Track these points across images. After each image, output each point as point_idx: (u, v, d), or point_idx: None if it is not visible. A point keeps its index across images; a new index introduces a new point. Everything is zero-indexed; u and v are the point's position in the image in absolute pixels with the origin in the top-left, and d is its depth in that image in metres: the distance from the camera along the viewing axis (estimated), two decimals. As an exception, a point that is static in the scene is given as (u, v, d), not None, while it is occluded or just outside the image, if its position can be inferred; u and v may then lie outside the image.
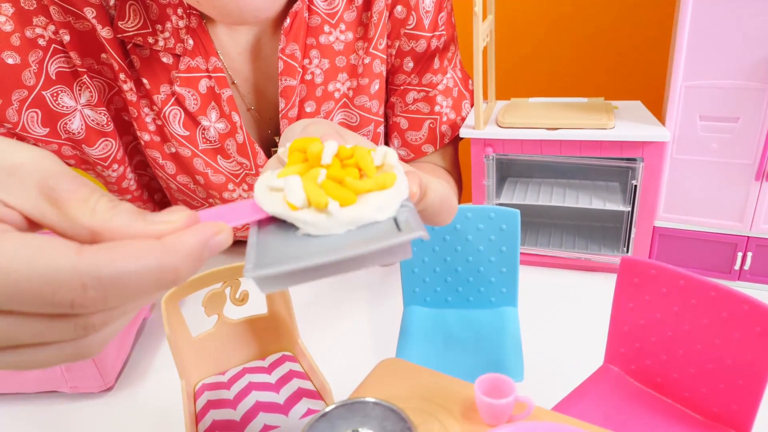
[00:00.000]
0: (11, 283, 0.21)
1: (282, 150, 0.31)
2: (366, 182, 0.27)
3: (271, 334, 0.45)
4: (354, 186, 0.26)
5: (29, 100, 0.59)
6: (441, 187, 0.31)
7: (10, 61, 0.57)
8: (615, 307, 0.35)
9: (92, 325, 0.24)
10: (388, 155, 0.28)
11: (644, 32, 0.98)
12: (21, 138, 0.60)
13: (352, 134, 0.33)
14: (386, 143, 0.75)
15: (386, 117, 0.73)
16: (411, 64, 0.68)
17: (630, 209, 0.61)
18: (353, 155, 0.28)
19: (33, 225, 0.24)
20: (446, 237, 0.44)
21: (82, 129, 0.62)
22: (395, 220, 0.26)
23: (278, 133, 0.69)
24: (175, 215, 0.24)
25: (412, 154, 0.73)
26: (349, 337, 0.58)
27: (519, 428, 0.27)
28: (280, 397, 0.41)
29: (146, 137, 0.64)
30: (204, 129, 0.63)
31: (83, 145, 0.63)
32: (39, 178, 0.24)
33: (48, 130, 0.61)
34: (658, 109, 0.62)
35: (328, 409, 0.30)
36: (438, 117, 0.70)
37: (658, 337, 0.34)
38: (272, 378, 0.43)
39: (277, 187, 0.27)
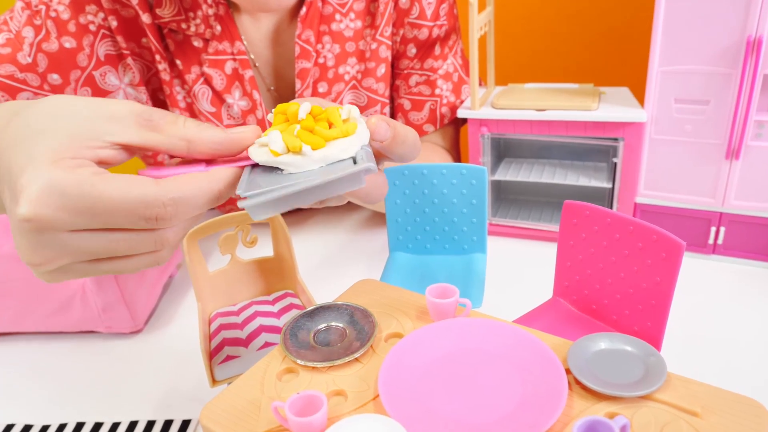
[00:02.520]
0: (116, 205, 0.29)
1: (269, 115, 0.37)
2: (333, 131, 0.33)
3: (275, 273, 0.53)
4: (322, 133, 0.33)
5: (82, 79, 0.68)
6: (410, 130, 0.37)
7: (67, 45, 0.66)
8: (560, 246, 0.41)
9: (167, 238, 0.32)
10: (352, 111, 0.35)
11: (635, 23, 1.03)
12: None
13: (328, 102, 0.40)
14: None
15: (392, 99, 0.80)
16: (414, 51, 0.75)
17: (611, 186, 0.67)
18: (324, 112, 0.34)
19: (131, 153, 0.33)
20: (425, 191, 0.51)
21: None
22: (354, 158, 0.33)
23: None
24: (245, 127, 0.34)
25: None
26: (341, 279, 0.65)
27: (456, 322, 0.34)
28: (280, 322, 0.48)
29: (177, 113, 0.72)
30: (228, 106, 0.71)
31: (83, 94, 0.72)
32: (135, 115, 0.32)
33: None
34: (643, 94, 0.67)
35: (308, 309, 0.37)
36: (438, 99, 0.77)
37: (592, 270, 0.40)
38: (275, 308, 0.50)
39: (264, 143, 0.33)
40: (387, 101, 0.77)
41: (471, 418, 0.28)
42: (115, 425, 0.54)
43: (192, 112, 0.72)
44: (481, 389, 0.30)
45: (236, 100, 0.71)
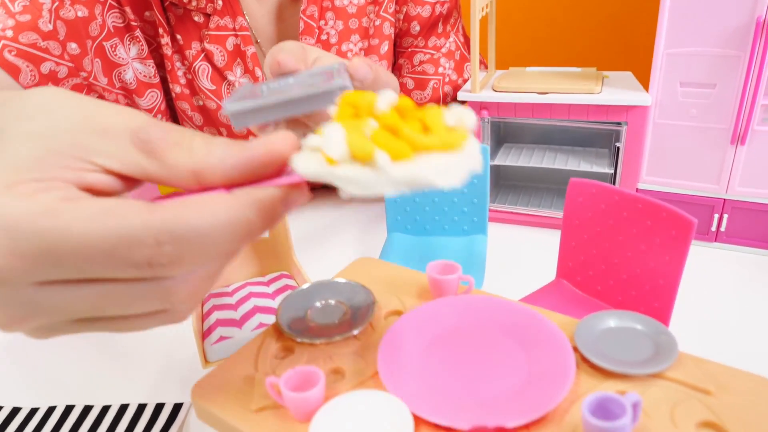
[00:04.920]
0: (88, 245, 0.20)
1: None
2: (428, 138, 0.22)
3: (271, 254, 0.51)
4: (412, 138, 0.22)
5: (93, 48, 0.66)
6: (392, 77, 0.36)
7: (80, 14, 0.64)
8: (565, 226, 0.40)
9: (175, 288, 0.23)
10: (465, 118, 0.23)
11: (639, 8, 1.02)
12: (92, 87, 0.67)
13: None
14: None
15: None
16: (417, 28, 0.74)
17: (614, 171, 0.65)
18: (419, 110, 0.24)
19: (131, 184, 0.24)
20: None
21: (134, 81, 0.69)
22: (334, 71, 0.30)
23: None
24: (273, 135, 0.24)
25: None
26: (338, 259, 0.64)
27: (458, 299, 0.33)
28: (275, 303, 0.47)
29: (177, 89, 0.70)
30: (230, 84, 0.70)
31: (134, 96, 0.70)
32: (130, 133, 0.23)
33: (107, 80, 0.68)
34: (648, 78, 0.66)
35: (304, 286, 0.36)
36: (441, 78, 0.76)
37: (598, 250, 0.38)
38: (270, 289, 0.49)
39: (313, 146, 0.23)
40: None
41: (474, 395, 0.27)
42: (106, 408, 0.53)
43: (192, 89, 0.71)
44: (485, 366, 0.29)
45: (238, 77, 0.70)
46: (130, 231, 0.21)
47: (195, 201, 0.22)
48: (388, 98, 0.23)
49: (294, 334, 0.32)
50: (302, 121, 0.40)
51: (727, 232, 0.64)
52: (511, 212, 0.72)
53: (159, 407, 0.53)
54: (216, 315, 0.46)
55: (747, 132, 0.58)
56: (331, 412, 0.26)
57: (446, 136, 0.22)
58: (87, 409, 0.53)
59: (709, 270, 0.61)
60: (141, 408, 0.53)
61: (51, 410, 0.53)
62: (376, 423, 0.25)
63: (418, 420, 0.26)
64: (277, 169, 0.24)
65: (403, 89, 0.78)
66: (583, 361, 0.29)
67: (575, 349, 0.29)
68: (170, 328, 0.62)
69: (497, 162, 0.71)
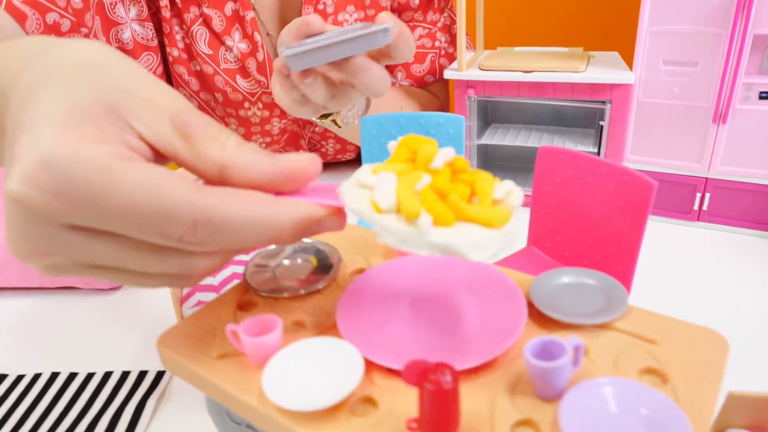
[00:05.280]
0: (131, 208, 0.21)
1: (391, 145, 0.27)
2: (474, 209, 0.23)
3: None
4: (458, 207, 0.23)
5: (95, 4, 0.66)
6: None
7: None
8: (534, 193, 0.41)
9: (194, 266, 0.24)
10: (513, 195, 0.24)
11: None
12: None
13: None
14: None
15: None
16: (417, 1, 0.76)
17: (597, 150, 0.66)
18: (471, 173, 0.25)
19: (161, 158, 0.25)
20: (403, 139, 0.50)
21: (130, 41, 0.69)
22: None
23: None
24: (301, 155, 0.25)
25: (415, 84, 0.80)
26: None
27: (421, 258, 0.33)
28: (252, 270, 0.47)
29: (175, 53, 0.71)
30: (227, 49, 0.70)
31: (130, 57, 0.71)
32: (172, 113, 0.24)
33: (105, 39, 0.68)
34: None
35: (272, 246, 0.36)
36: (438, 51, 0.77)
37: (566, 215, 0.39)
38: (248, 256, 0.49)
39: (367, 184, 0.24)
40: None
41: (425, 343, 0.28)
42: (90, 375, 0.54)
43: (190, 53, 0.71)
44: (440, 318, 0.30)
45: (236, 42, 0.70)
46: (172, 206, 0.21)
47: (241, 194, 0.23)
48: (445, 154, 0.24)
49: (259, 289, 0.33)
50: (348, 83, 0.44)
51: (708, 211, 0.64)
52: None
53: (142, 374, 0.54)
54: (197, 297, 0.47)
55: (728, 110, 0.58)
56: (286, 356, 0.27)
57: (490, 212, 0.23)
58: (72, 376, 0.55)
59: (690, 248, 0.62)
60: (125, 375, 0.54)
61: (36, 377, 0.55)
62: (328, 366, 0.26)
63: (370, 365, 0.27)
64: (299, 185, 0.25)
65: (404, 65, 0.80)
66: (538, 314, 0.30)
67: (531, 305, 0.30)
68: (154, 300, 0.63)
69: (484, 141, 0.71)
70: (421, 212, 0.22)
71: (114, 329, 0.59)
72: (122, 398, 0.51)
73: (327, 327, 0.30)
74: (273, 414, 0.25)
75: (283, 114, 0.77)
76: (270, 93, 0.74)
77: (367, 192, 0.24)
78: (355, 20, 0.74)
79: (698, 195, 0.64)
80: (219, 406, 0.32)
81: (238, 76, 0.72)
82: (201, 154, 0.24)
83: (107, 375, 0.54)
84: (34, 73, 0.24)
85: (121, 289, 0.67)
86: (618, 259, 0.36)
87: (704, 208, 0.64)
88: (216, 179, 0.25)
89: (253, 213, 0.23)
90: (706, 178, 0.63)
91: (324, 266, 0.34)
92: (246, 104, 0.74)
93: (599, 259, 0.38)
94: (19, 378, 0.54)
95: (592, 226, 0.38)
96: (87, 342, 0.59)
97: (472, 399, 0.25)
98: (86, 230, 0.22)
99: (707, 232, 0.64)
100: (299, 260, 0.35)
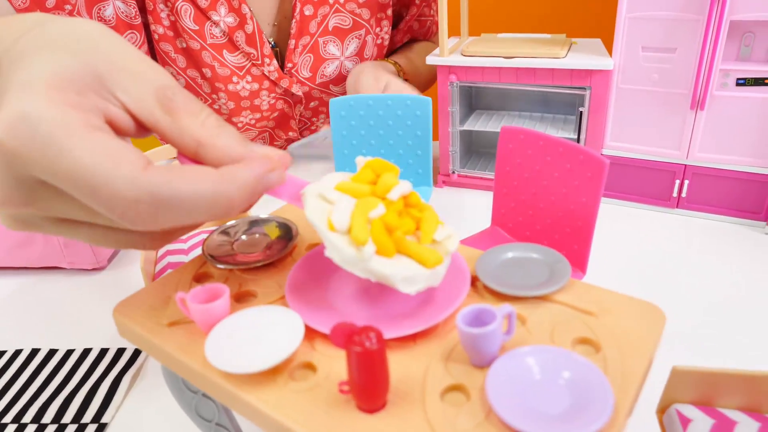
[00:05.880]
0: (77, 170, 0.22)
1: (359, 159, 0.30)
2: (414, 246, 0.26)
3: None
4: (400, 242, 0.25)
5: None
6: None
7: None
8: (497, 173, 0.41)
9: (137, 240, 0.26)
10: (450, 240, 0.27)
11: None
12: None
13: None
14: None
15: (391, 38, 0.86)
16: None
17: (577, 137, 0.66)
18: (421, 208, 0.27)
19: (143, 130, 0.26)
20: (371, 122, 0.51)
21: (113, 18, 0.69)
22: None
23: (272, 35, 0.78)
24: (273, 151, 0.27)
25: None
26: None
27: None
28: (224, 249, 0.48)
29: (160, 30, 0.71)
30: (213, 23, 0.71)
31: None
32: (157, 86, 0.25)
33: (88, 16, 0.69)
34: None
35: (232, 221, 0.37)
36: (432, 18, 0.86)
37: (526, 195, 0.39)
38: (222, 236, 0.50)
39: (328, 199, 0.27)
40: (371, 30, 0.78)
41: (369, 314, 0.28)
42: (69, 352, 0.55)
43: (176, 30, 0.72)
44: (385, 292, 0.30)
45: (222, 17, 0.71)
46: (115, 180, 0.22)
47: (186, 170, 0.23)
48: (401, 189, 0.26)
49: (216, 261, 0.33)
50: None
51: (688, 198, 0.64)
52: (480, 177, 0.73)
53: (120, 351, 0.55)
54: (168, 259, 0.48)
55: (706, 97, 0.58)
56: (231, 323, 0.27)
57: (426, 252, 0.26)
58: (51, 353, 0.56)
59: (667, 235, 0.62)
60: (103, 352, 0.55)
61: (17, 353, 0.55)
62: (270, 333, 0.27)
63: (314, 334, 0.28)
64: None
65: (410, 30, 0.85)
66: (484, 288, 0.30)
67: (476, 278, 0.30)
68: (137, 280, 0.63)
69: (467, 127, 0.71)
70: (368, 241, 0.24)
71: (96, 308, 0.60)
72: (99, 374, 0.52)
73: (277, 298, 0.31)
74: (215, 378, 0.26)
75: (272, 87, 0.77)
76: (259, 65, 0.75)
77: (326, 206, 0.26)
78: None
79: (677, 182, 0.64)
80: (175, 375, 0.33)
81: (225, 51, 0.73)
82: (181, 128, 0.25)
83: (86, 352, 0.55)
84: (29, 43, 0.25)
85: (104, 269, 0.68)
86: (574, 238, 0.37)
87: (683, 195, 0.64)
88: (192, 154, 0.26)
89: (200, 187, 0.23)
90: (685, 165, 0.63)
91: (281, 240, 0.35)
92: (234, 78, 0.75)
93: (557, 238, 0.38)
94: (0, 354, 0.55)
95: (550, 205, 0.38)
96: (69, 320, 0.59)
97: (407, 366, 0.25)
98: (53, 186, 0.23)
99: (686, 219, 0.65)
100: (257, 235, 0.36)
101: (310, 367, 0.26)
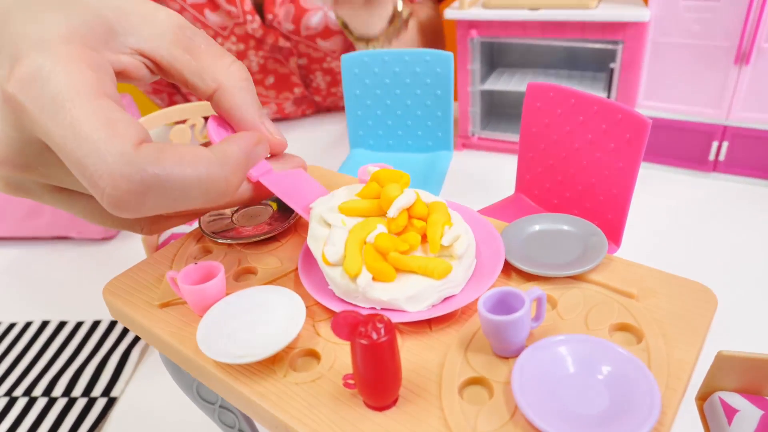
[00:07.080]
0: (65, 137, 0.20)
1: (362, 171, 0.29)
2: (416, 262, 0.24)
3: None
4: (399, 262, 0.24)
5: None
6: None
7: None
8: (522, 136, 0.37)
9: (136, 225, 0.25)
10: (458, 242, 0.25)
11: None
12: None
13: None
14: None
15: None
16: None
17: (607, 95, 0.61)
18: (430, 212, 0.25)
19: (159, 70, 0.25)
20: (386, 80, 0.47)
21: None
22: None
23: None
24: (281, 135, 0.27)
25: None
26: None
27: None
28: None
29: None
30: None
31: None
32: (176, 27, 0.24)
33: None
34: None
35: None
36: None
37: (555, 159, 0.36)
38: (228, 205, 0.48)
39: (327, 222, 0.26)
40: None
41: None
42: (79, 324, 0.54)
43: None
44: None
45: None
46: (104, 154, 0.20)
47: (181, 150, 0.22)
48: (401, 203, 0.25)
49: (214, 235, 0.30)
50: None
51: (725, 161, 0.60)
52: (502, 141, 0.69)
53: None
54: (173, 229, 0.45)
55: (752, 50, 0.53)
56: (226, 306, 0.25)
57: (431, 264, 0.24)
58: (61, 325, 0.54)
59: (702, 201, 0.58)
60: (112, 324, 0.54)
61: (27, 325, 0.54)
62: (269, 318, 0.24)
63: (317, 316, 0.25)
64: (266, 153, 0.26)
65: None
66: (507, 265, 0.27)
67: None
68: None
69: (488, 87, 0.67)
70: (361, 271, 0.23)
71: (105, 278, 0.59)
72: (108, 347, 0.51)
73: (279, 275, 0.28)
74: (209, 366, 0.23)
75: (259, 46, 0.74)
76: (242, 23, 0.71)
77: (325, 232, 0.26)
78: None
79: (715, 144, 0.59)
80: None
81: (206, 10, 0.70)
82: (203, 68, 0.25)
83: (95, 324, 0.54)
84: None
85: (113, 239, 0.66)
86: (608, 207, 0.33)
87: (721, 158, 0.60)
88: (204, 97, 0.25)
89: (194, 169, 0.21)
90: (725, 126, 0.58)
91: (285, 211, 0.32)
92: (218, 39, 0.71)
93: (589, 207, 0.34)
94: (11, 327, 0.54)
95: (581, 171, 0.34)
96: (78, 291, 0.58)
97: (421, 356, 0.23)
98: (49, 151, 0.22)
99: (722, 184, 0.60)
100: (260, 206, 0.33)
101: (313, 354, 0.24)
